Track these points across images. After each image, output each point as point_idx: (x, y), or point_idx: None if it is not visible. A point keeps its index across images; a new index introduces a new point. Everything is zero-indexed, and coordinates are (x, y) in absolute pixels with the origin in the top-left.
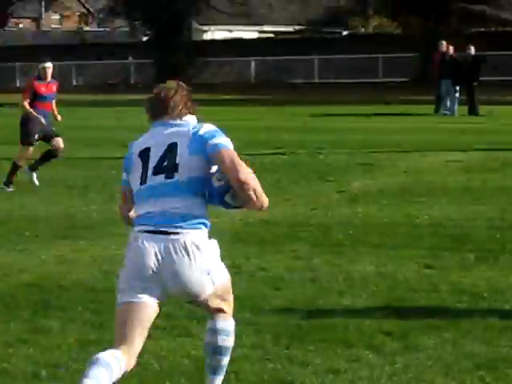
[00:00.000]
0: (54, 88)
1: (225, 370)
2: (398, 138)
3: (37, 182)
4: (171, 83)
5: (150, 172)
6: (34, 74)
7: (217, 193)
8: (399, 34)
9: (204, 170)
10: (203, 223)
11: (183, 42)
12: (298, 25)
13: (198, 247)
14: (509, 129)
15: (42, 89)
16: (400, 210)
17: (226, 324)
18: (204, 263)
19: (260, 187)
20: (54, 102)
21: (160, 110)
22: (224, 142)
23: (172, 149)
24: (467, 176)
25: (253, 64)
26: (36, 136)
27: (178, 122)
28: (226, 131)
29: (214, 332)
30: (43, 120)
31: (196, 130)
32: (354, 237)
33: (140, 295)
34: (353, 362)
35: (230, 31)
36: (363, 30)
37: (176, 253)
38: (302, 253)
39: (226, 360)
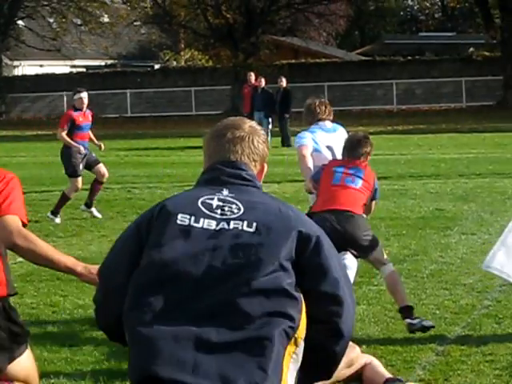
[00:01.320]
0: (90, 117)
1: None
2: None
3: (99, 215)
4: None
5: None
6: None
7: None
8: (211, 66)
9: None
10: None
11: None
12: (110, 59)
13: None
14: None
15: (80, 119)
16: None
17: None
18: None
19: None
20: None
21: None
22: None
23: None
24: None
25: (65, 99)
26: (81, 166)
27: None
28: (31, 167)
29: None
30: (82, 149)
31: None
32: None
33: None
34: None
35: (42, 66)
36: (175, 63)
37: None
38: None
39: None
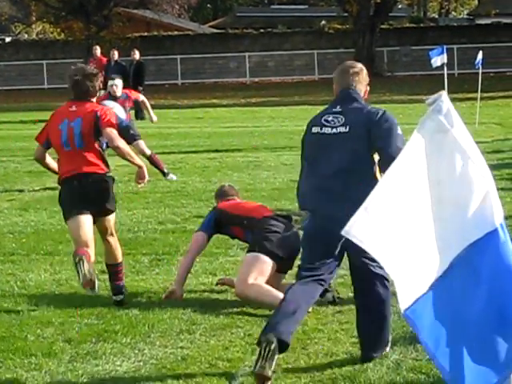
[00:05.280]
0: (127, 103)
1: None
2: None
3: (174, 177)
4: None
5: None
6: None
7: None
8: (63, 39)
9: None
10: None
11: None
12: None
13: None
14: (175, 132)
15: None
16: None
17: None
18: None
19: None
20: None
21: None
22: None
23: None
24: None
25: None
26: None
27: None
28: None
29: None
30: None
31: None
32: (28, 245)
33: None
34: (33, 370)
35: None
36: (26, 36)
37: None
38: None
39: None
